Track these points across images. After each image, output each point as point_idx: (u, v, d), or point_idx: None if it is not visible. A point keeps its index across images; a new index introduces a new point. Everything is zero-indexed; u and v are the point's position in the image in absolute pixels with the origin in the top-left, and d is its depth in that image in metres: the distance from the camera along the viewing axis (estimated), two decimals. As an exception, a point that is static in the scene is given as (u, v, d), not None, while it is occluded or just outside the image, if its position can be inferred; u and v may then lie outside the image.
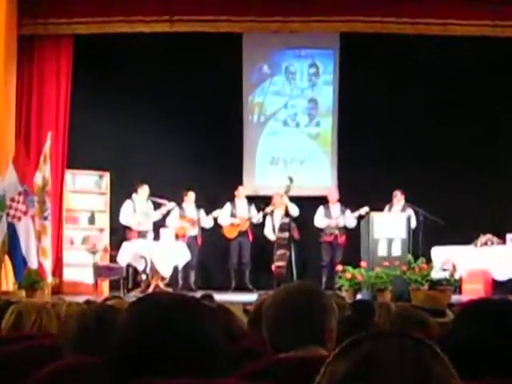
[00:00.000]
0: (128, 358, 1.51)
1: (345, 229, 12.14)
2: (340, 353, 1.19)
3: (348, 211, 12.07)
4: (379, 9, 11.11)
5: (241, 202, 12.22)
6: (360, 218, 11.70)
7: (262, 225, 12.28)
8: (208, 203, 12.14)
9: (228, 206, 12.11)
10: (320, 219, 12.20)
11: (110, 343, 1.59)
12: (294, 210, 12.01)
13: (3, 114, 10.79)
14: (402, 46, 11.98)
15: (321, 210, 12.20)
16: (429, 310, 4.16)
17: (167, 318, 1.52)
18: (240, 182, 12.64)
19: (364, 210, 11.63)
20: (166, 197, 11.75)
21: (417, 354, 1.16)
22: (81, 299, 5.61)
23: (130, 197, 11.82)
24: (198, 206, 12.07)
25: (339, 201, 12.26)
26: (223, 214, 12.07)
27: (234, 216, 12.07)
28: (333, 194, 12.28)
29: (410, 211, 11.52)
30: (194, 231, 11.94)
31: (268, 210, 12.02)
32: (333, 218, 12.08)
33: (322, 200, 12.36)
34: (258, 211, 12.07)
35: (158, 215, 11.82)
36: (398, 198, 11.77)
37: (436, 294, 6.61)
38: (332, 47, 13.00)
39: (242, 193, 12.20)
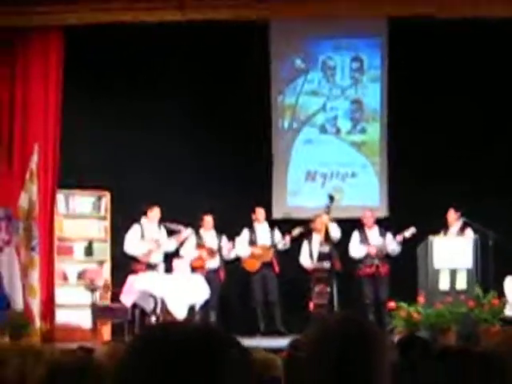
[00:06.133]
0: None
1: (386, 257, 11.09)
2: None
3: (389, 235, 11.04)
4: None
5: (261, 226, 11.34)
6: (404, 241, 10.79)
7: (289, 252, 11.29)
8: (229, 229, 11.26)
9: (246, 232, 11.26)
10: (356, 247, 11.14)
11: None
12: (336, 232, 11.01)
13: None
14: (465, 32, 10.83)
15: (356, 236, 11.21)
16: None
17: (176, 365, 1.34)
18: (268, 203, 11.82)
19: (410, 231, 10.63)
20: (179, 221, 10.85)
21: None
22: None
23: (137, 221, 10.89)
24: (219, 231, 11.24)
25: (377, 223, 11.32)
26: (241, 243, 11.22)
27: (254, 244, 11.18)
28: (368, 217, 11.27)
29: (470, 233, 10.48)
30: (213, 263, 11.06)
31: (296, 232, 11.00)
32: (371, 245, 11.06)
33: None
34: (284, 235, 11.14)
35: (172, 244, 10.90)
36: (453, 216, 10.67)
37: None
38: (379, 35, 12.02)
39: (261, 215, 11.32)
